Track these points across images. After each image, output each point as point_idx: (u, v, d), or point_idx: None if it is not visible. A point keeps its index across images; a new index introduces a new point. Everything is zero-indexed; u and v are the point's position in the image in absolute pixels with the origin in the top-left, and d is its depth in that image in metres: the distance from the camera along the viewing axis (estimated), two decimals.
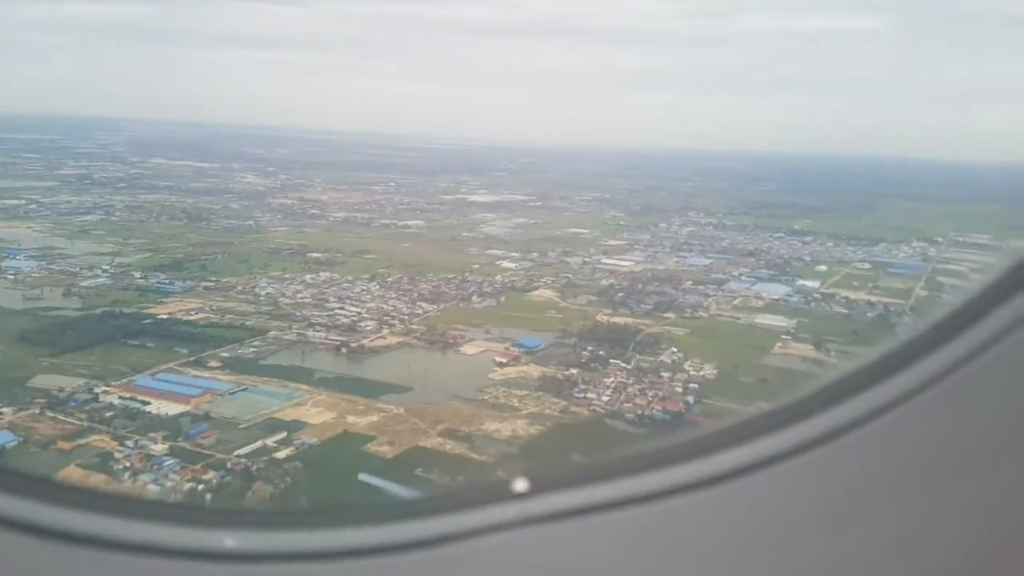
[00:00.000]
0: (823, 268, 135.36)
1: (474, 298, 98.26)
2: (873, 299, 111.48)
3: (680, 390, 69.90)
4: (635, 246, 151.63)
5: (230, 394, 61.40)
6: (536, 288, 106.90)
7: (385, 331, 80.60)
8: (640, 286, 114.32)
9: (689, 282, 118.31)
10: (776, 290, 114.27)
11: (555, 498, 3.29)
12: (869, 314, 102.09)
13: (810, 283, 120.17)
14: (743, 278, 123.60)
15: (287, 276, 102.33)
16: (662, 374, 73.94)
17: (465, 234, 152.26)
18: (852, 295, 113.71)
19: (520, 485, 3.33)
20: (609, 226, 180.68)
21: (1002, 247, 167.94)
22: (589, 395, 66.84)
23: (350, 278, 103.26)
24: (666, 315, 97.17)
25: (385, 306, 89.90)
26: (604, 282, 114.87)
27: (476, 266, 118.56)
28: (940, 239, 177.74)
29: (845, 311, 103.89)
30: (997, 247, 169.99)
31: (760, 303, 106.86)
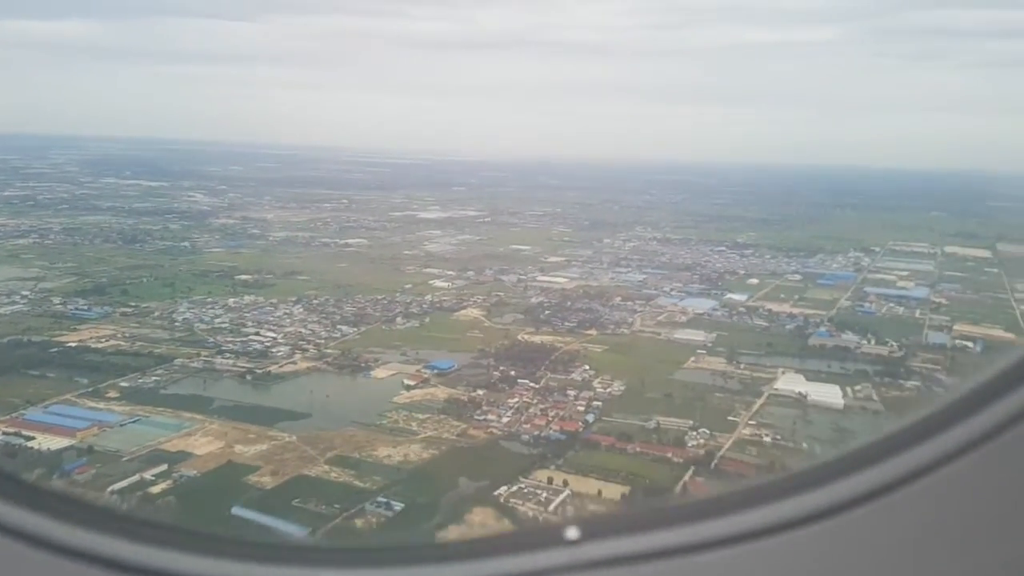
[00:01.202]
0: (755, 281, 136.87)
1: (398, 319, 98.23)
2: (795, 311, 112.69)
3: (582, 408, 70.37)
4: (574, 262, 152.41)
5: (120, 426, 60.83)
6: (464, 307, 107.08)
7: (297, 356, 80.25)
8: (569, 303, 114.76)
9: (619, 298, 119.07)
10: (702, 304, 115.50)
11: (605, 544, 3.29)
12: (788, 326, 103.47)
13: (737, 296, 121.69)
14: (673, 293, 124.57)
15: (209, 300, 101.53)
16: (568, 393, 74.42)
17: (406, 252, 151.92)
18: (776, 307, 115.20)
19: (572, 531, 3.35)
20: (553, 242, 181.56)
21: (937, 254, 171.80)
22: (489, 417, 67.10)
23: (274, 301, 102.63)
24: (588, 332, 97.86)
25: (303, 330, 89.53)
26: (534, 300, 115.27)
27: (408, 285, 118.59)
28: (877, 249, 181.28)
29: (765, 324, 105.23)
30: (933, 255, 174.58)
31: (684, 318, 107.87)
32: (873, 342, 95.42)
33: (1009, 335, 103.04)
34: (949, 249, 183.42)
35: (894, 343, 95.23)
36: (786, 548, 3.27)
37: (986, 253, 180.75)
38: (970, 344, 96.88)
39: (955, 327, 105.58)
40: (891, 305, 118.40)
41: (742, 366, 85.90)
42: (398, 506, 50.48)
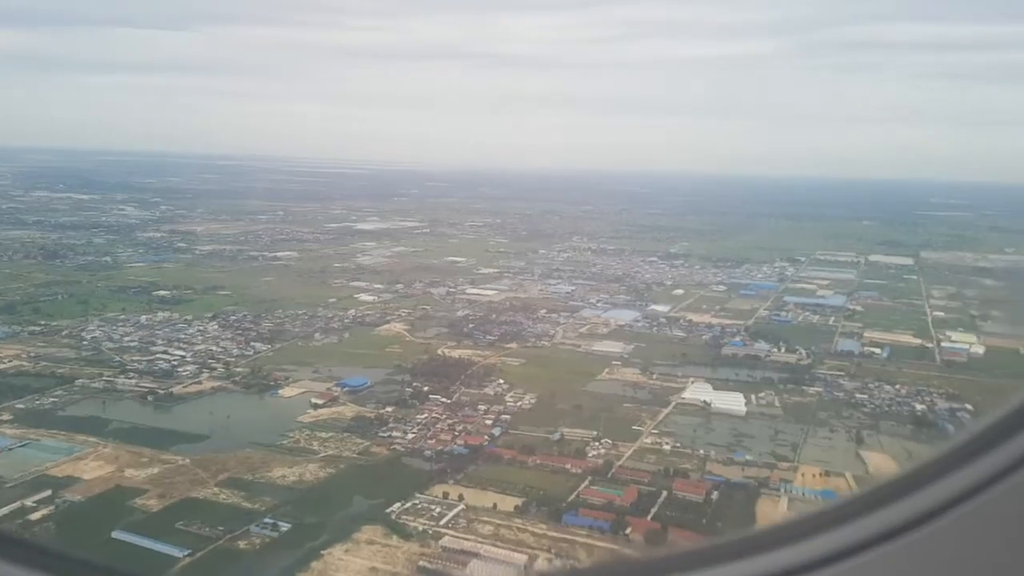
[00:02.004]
0: (680, 292, 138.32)
1: (316, 335, 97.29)
2: (715, 321, 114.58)
3: (490, 423, 70.72)
4: (506, 274, 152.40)
5: (8, 450, 59.24)
6: (388, 322, 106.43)
7: (204, 375, 78.97)
8: (494, 316, 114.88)
9: (544, 310, 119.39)
10: (626, 316, 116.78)
11: None
12: (705, 336, 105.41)
13: (661, 307, 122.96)
14: (599, 304, 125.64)
15: (122, 317, 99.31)
16: (479, 407, 74.68)
17: (336, 265, 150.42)
18: (696, 318, 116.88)
19: None
20: (489, 253, 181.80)
21: (860, 263, 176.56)
22: (394, 434, 67.02)
23: (189, 317, 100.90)
24: (509, 346, 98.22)
25: (214, 348, 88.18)
26: (460, 313, 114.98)
27: (333, 300, 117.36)
28: (803, 258, 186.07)
29: (683, 334, 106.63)
30: (856, 263, 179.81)
31: (606, 329, 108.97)
32: (784, 350, 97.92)
33: (917, 340, 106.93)
34: (873, 258, 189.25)
35: (803, 351, 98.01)
36: None
37: (908, 261, 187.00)
38: (877, 350, 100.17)
39: (866, 334, 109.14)
40: (807, 314, 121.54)
41: (654, 376, 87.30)
42: (285, 527, 50.23)
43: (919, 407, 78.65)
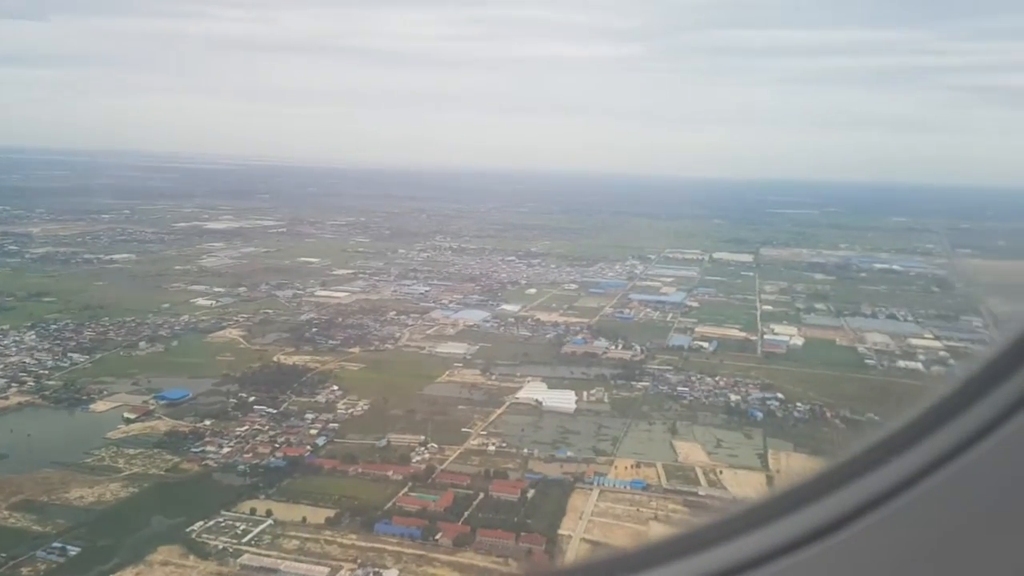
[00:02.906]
0: (533, 291, 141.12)
1: (141, 344, 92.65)
2: (561, 320, 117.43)
3: (315, 432, 69.78)
4: (361, 275, 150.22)
5: None
6: (223, 328, 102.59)
7: (12, 390, 73.82)
8: (341, 319, 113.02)
9: (394, 312, 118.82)
10: (475, 316, 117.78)
11: None
12: (549, 335, 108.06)
13: (511, 307, 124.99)
14: (451, 305, 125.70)
15: None
16: (306, 416, 73.51)
17: (177, 268, 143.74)
18: (544, 317, 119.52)
19: None
20: (347, 253, 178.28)
21: (704, 260, 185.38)
22: (208, 449, 64.88)
23: (6, 327, 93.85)
24: (351, 350, 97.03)
25: (28, 360, 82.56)
26: (304, 317, 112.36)
27: (166, 305, 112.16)
28: (653, 256, 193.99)
29: (529, 334, 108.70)
30: (701, 261, 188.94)
31: (454, 331, 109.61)
32: (621, 347, 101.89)
33: (743, 334, 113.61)
34: (717, 255, 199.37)
35: (639, 347, 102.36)
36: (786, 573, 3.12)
37: (748, 258, 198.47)
38: (705, 344, 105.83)
39: (697, 329, 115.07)
40: (649, 310, 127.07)
41: (493, 377, 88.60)
42: (74, 551, 47.90)
43: (734, 397, 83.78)
